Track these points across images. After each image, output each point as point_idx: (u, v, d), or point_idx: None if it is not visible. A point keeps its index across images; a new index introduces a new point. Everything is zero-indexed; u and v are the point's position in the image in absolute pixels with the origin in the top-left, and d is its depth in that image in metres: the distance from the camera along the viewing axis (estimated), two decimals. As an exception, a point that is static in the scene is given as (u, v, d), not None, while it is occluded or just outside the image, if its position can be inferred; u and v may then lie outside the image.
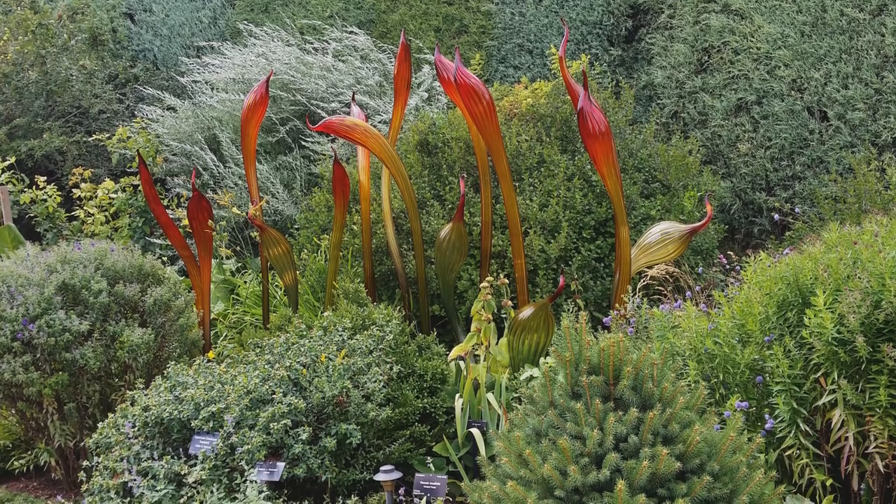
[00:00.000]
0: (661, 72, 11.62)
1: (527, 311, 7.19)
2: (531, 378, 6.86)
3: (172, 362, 7.01)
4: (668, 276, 7.92)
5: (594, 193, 8.71)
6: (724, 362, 5.69)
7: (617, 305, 7.16)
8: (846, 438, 5.27)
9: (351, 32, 13.11)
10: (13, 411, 7.51)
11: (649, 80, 11.91)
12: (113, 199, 11.86)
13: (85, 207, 11.75)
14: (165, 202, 11.99)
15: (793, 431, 5.34)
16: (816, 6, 10.32)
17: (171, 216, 10.05)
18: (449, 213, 8.89)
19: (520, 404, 5.09)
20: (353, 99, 9.22)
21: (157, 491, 5.86)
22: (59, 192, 12.20)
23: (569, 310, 7.18)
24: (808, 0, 10.38)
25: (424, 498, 5.59)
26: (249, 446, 5.83)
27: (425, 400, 7.06)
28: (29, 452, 7.90)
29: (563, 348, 4.56)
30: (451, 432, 6.99)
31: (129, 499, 5.97)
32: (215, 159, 11.99)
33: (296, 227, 10.67)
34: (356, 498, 5.92)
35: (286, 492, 6.03)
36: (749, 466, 4.38)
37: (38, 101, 14.78)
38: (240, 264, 11.13)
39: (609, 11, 12.46)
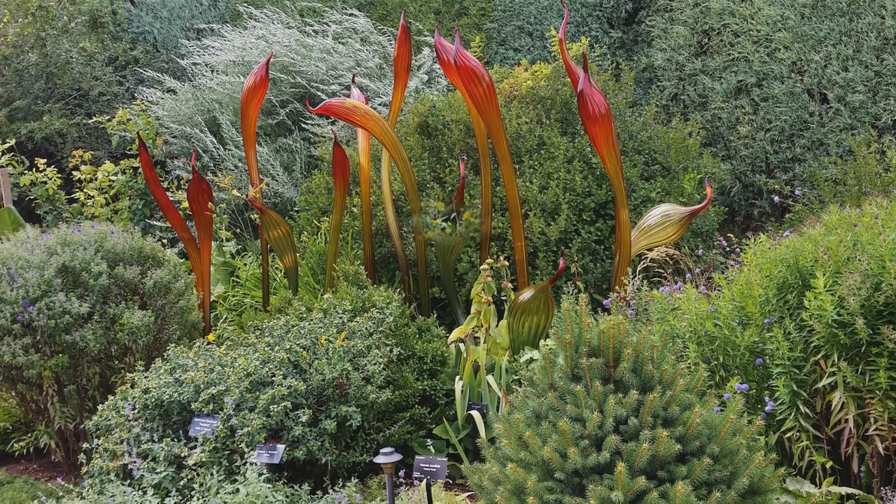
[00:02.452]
0: (661, 54, 11.60)
1: (527, 294, 7.19)
2: (531, 360, 6.86)
3: (172, 345, 7.01)
4: (668, 259, 7.92)
5: (594, 176, 8.70)
6: (724, 345, 5.69)
7: (617, 288, 7.16)
8: (846, 421, 5.28)
9: (351, 15, 13.09)
10: (13, 394, 7.51)
11: (649, 62, 11.89)
12: (113, 181, 11.85)
13: (85, 190, 11.73)
14: (165, 185, 11.97)
15: (793, 414, 5.35)
16: (817, -12, 10.32)
17: (171, 198, 10.04)
18: (449, 196, 8.89)
19: (520, 387, 5.10)
20: (353, 81, 9.21)
21: (157, 473, 5.86)
22: (59, 175, 12.19)
23: (569, 292, 7.18)
24: (809, -18, 10.38)
25: (424, 480, 5.59)
26: (249, 429, 5.84)
27: (425, 382, 7.07)
28: (29, 435, 7.91)
29: (563, 331, 4.56)
30: (451, 415, 7.00)
31: (129, 481, 5.98)
32: (215, 142, 11.98)
33: (296, 209, 10.67)
34: (356, 480, 5.93)
35: (286, 474, 6.04)
36: (749, 449, 4.38)
37: (38, 84, 14.75)
38: (240, 247, 11.14)
39: (609, -7, 12.47)
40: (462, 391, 6.86)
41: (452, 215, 8.43)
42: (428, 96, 10.29)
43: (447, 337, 7.65)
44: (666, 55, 11.54)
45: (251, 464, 5.64)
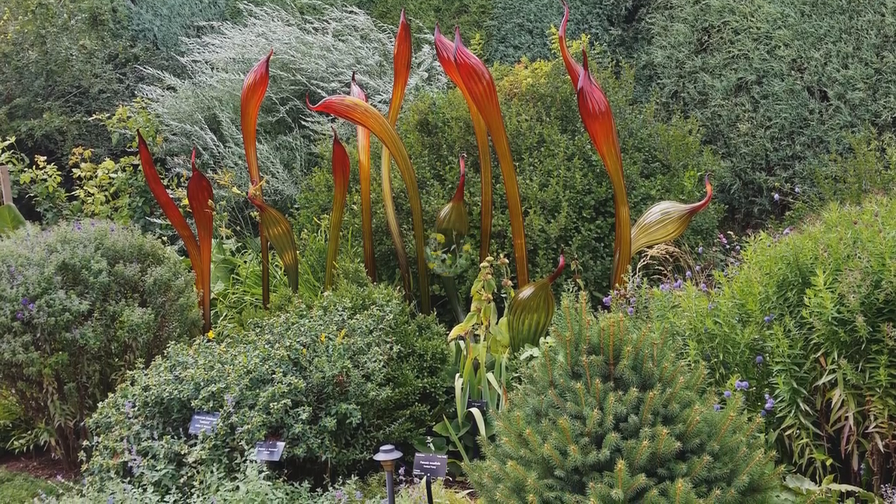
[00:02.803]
0: (661, 52, 11.60)
1: (527, 291, 7.19)
2: (531, 358, 6.87)
3: (172, 342, 7.01)
4: (668, 256, 7.92)
5: (594, 173, 8.70)
6: (724, 342, 5.69)
7: (617, 285, 7.15)
8: (846, 418, 5.28)
9: (351, 12, 13.08)
10: (13, 391, 7.52)
11: (649, 59, 11.89)
12: (113, 178, 11.85)
13: (85, 187, 11.74)
14: (165, 182, 11.98)
15: (793, 411, 5.35)
16: (818, -15, 10.32)
17: (171, 196, 10.05)
18: (449, 193, 8.88)
19: (520, 384, 5.09)
20: (353, 79, 9.21)
21: (157, 471, 5.87)
22: (59, 172, 12.19)
23: (569, 289, 7.18)
24: (809, -21, 10.38)
25: (424, 477, 5.60)
26: (249, 426, 5.84)
27: (425, 380, 7.07)
28: (29, 432, 7.91)
29: (563, 328, 4.56)
30: (452, 412, 7.00)
31: (129, 478, 5.98)
32: (215, 139, 11.98)
33: (296, 206, 10.67)
34: (356, 478, 5.93)
35: (286, 471, 6.04)
36: (749, 446, 4.39)
37: (38, 81, 14.75)
38: (240, 244, 11.13)
39: (609, -9, 12.46)
40: (462, 389, 6.86)
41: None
42: (428, 94, 10.29)
43: (447, 334, 7.65)
44: (666, 52, 11.54)
45: (251, 461, 5.64)
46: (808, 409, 5.37)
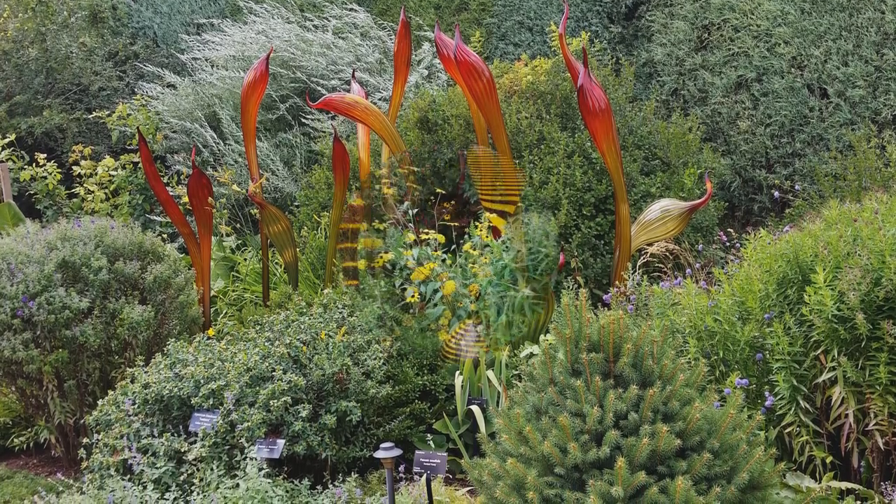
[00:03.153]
0: (661, 49, 11.59)
1: (527, 289, 7.19)
2: (531, 355, 6.86)
3: (172, 339, 7.00)
4: (668, 254, 7.92)
5: (594, 171, 8.70)
6: (724, 339, 5.69)
7: (617, 283, 7.15)
8: (846, 416, 5.28)
9: (351, 9, 13.08)
10: (13, 389, 7.51)
11: (649, 57, 11.89)
12: (113, 176, 11.85)
13: (85, 185, 11.73)
14: (165, 179, 11.98)
15: (793, 409, 5.35)
16: (818, -17, 10.31)
17: (171, 193, 10.04)
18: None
19: (520, 381, 5.09)
20: (354, 76, 9.21)
21: (157, 468, 5.86)
22: (59, 170, 12.19)
23: (569, 287, 7.18)
24: (809, -23, 10.37)
25: (424, 475, 5.60)
26: (249, 424, 5.83)
27: (425, 377, 7.06)
28: (29, 430, 7.91)
29: (563, 325, 4.56)
30: (451, 409, 7.00)
31: (129, 476, 5.97)
32: (215, 136, 11.98)
33: (296, 204, 10.67)
34: (356, 475, 5.93)
35: (286, 469, 6.04)
36: (749, 444, 4.38)
37: (38, 79, 14.75)
38: (240, 241, 11.13)
39: (610, -12, 12.46)
40: (462, 386, 6.86)
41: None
42: (428, 91, 10.29)
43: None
44: (666, 50, 11.54)
45: (251, 459, 5.63)
46: (807, 406, 5.37)
